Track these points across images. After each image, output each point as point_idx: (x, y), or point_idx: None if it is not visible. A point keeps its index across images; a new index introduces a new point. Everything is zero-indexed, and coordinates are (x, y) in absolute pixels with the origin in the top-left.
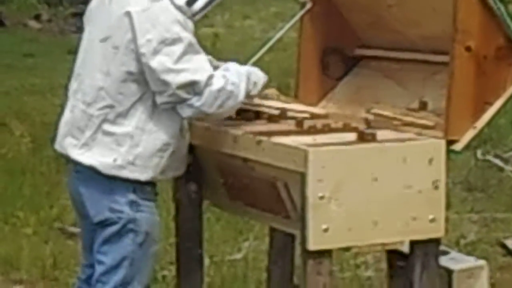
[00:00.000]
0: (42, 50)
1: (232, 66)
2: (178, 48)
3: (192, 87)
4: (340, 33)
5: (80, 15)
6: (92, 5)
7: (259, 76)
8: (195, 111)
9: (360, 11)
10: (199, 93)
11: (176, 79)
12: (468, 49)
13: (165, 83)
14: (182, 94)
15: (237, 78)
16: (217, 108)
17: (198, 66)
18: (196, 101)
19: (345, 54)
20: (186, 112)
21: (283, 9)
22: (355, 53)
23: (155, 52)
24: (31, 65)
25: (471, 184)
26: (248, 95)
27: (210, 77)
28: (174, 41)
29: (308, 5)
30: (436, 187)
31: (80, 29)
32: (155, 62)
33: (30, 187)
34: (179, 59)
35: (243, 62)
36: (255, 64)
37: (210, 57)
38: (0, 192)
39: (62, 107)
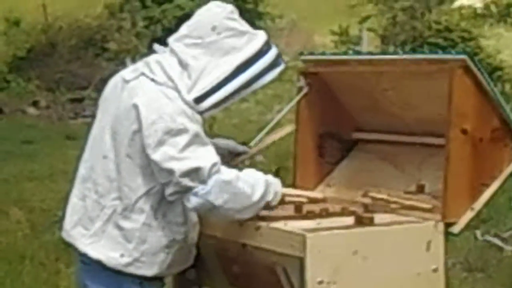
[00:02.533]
0: (40, 137)
1: (251, 171)
2: (183, 139)
3: (195, 174)
4: (337, 117)
5: (78, 100)
6: (106, 92)
7: (279, 187)
8: (201, 202)
9: (356, 95)
10: (203, 181)
11: (178, 166)
12: (464, 131)
13: (169, 172)
14: (186, 181)
15: (252, 179)
16: (224, 202)
17: (202, 155)
18: (201, 190)
19: (341, 138)
20: (192, 202)
21: (280, 91)
22: (352, 136)
23: (160, 143)
24: (29, 152)
25: (471, 264)
26: (268, 205)
27: (214, 165)
28: (180, 131)
29: (305, 90)
30: (435, 270)
31: (77, 115)
32: (159, 154)
33: (29, 275)
34: (183, 149)
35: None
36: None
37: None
38: None
39: (61, 193)
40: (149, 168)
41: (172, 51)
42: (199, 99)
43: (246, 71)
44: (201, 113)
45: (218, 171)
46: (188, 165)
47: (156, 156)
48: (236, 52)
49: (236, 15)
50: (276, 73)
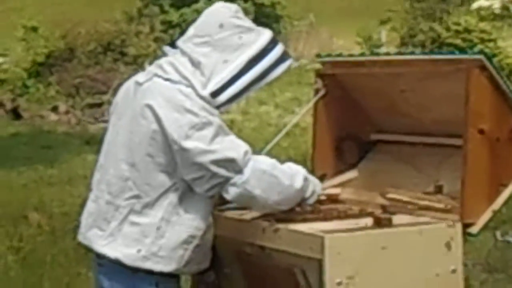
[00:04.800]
0: (59, 142)
1: (290, 163)
2: (209, 131)
3: (230, 164)
4: (354, 118)
5: (97, 105)
6: (118, 98)
7: (319, 188)
8: (240, 191)
9: (373, 96)
10: (239, 171)
11: (211, 158)
12: (481, 132)
13: (202, 166)
14: (223, 172)
15: (290, 170)
16: (262, 191)
17: (232, 144)
18: (238, 179)
19: (360, 140)
20: (231, 192)
21: (299, 94)
22: (370, 138)
23: (187, 137)
24: (49, 157)
25: (491, 265)
26: (304, 200)
27: (246, 153)
28: (204, 124)
29: (322, 92)
30: (454, 271)
31: (96, 120)
32: (188, 145)
33: (49, 280)
34: (211, 141)
35: (260, 148)
36: (272, 149)
37: None
38: (20, 285)
39: (80, 197)
40: (170, 166)
41: (183, 52)
42: (215, 94)
43: (257, 64)
44: (217, 107)
45: (251, 159)
46: (221, 156)
47: (187, 145)
48: (245, 47)
49: (241, 14)
50: (285, 67)
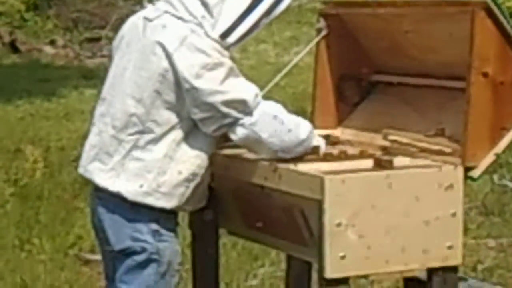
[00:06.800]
0: (57, 76)
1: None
2: (220, 72)
3: (240, 105)
4: (356, 59)
5: (95, 40)
6: (124, 31)
7: (323, 143)
8: (247, 132)
9: (376, 37)
10: (249, 113)
11: (223, 99)
12: (485, 75)
13: (212, 106)
14: (233, 113)
15: (296, 119)
16: (269, 135)
17: (243, 86)
18: (247, 121)
19: (361, 80)
20: (238, 133)
21: (298, 33)
22: (372, 79)
23: (198, 76)
24: (46, 91)
25: (488, 208)
26: (306, 150)
27: (256, 95)
28: (216, 65)
29: (324, 32)
30: (454, 214)
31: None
32: (200, 84)
33: (46, 214)
34: (222, 81)
35: (259, 86)
36: (271, 88)
37: None
38: (15, 219)
39: (77, 132)
40: (178, 104)
41: None
42: (224, 35)
43: (263, 0)
44: (227, 48)
45: (260, 102)
46: (232, 96)
47: (198, 84)
48: None
49: None
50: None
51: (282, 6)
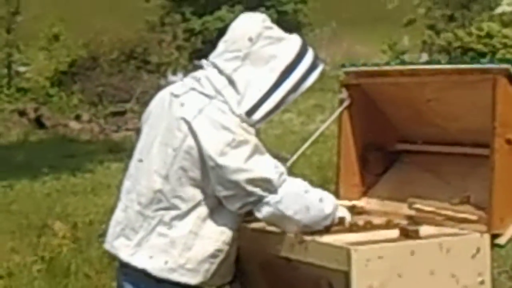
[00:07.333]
0: (83, 150)
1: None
2: (245, 150)
3: (265, 184)
4: (380, 128)
5: (120, 113)
6: (151, 107)
7: (348, 215)
8: (272, 211)
9: (399, 106)
10: (274, 192)
11: (247, 177)
12: (508, 141)
13: (237, 184)
14: (257, 191)
15: (320, 194)
16: (294, 213)
17: (268, 164)
18: (272, 199)
19: (385, 149)
20: (263, 212)
21: (322, 101)
22: (396, 148)
23: (222, 154)
24: (72, 166)
25: None
26: (331, 223)
27: (282, 174)
28: (240, 143)
29: (346, 102)
30: (482, 282)
31: (120, 128)
32: (224, 162)
33: None
34: (247, 159)
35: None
36: (297, 158)
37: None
38: None
39: (104, 206)
40: (203, 181)
41: (216, 67)
42: (250, 112)
43: (289, 76)
44: (253, 125)
45: (285, 180)
46: (257, 175)
47: (222, 162)
48: (276, 59)
49: (269, 22)
50: (317, 74)
51: (308, 83)
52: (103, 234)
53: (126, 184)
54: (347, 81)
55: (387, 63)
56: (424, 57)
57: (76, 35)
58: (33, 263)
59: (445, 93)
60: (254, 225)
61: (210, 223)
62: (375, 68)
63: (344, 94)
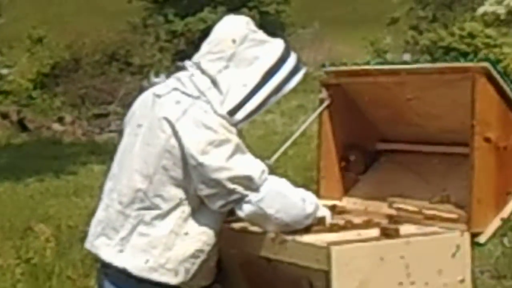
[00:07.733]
0: (65, 153)
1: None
2: (226, 149)
3: (247, 182)
4: (360, 128)
5: (103, 115)
6: (134, 108)
7: (328, 214)
8: (254, 209)
9: (379, 105)
10: (255, 189)
11: (229, 175)
12: (487, 140)
13: (218, 182)
14: (239, 189)
15: (302, 193)
16: (276, 211)
17: (249, 163)
18: (254, 197)
19: (365, 149)
20: (245, 210)
21: (305, 101)
22: (376, 147)
23: (204, 152)
24: (55, 168)
25: (499, 272)
26: (312, 219)
27: (263, 172)
28: (222, 142)
29: (326, 102)
30: (462, 281)
31: (102, 130)
32: (206, 160)
33: None
34: (229, 158)
35: (267, 156)
36: (278, 158)
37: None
38: None
39: (87, 208)
40: (184, 180)
41: (199, 68)
42: (232, 112)
43: (272, 78)
44: (235, 124)
45: (267, 179)
46: (238, 173)
47: (204, 161)
48: (259, 61)
49: (252, 25)
50: (300, 77)
51: (291, 85)
52: (85, 237)
53: (108, 184)
54: (327, 81)
55: (367, 63)
56: (407, 57)
57: (58, 37)
58: (16, 265)
59: (425, 92)
60: (235, 225)
61: (191, 223)
62: (355, 68)
63: (324, 94)
